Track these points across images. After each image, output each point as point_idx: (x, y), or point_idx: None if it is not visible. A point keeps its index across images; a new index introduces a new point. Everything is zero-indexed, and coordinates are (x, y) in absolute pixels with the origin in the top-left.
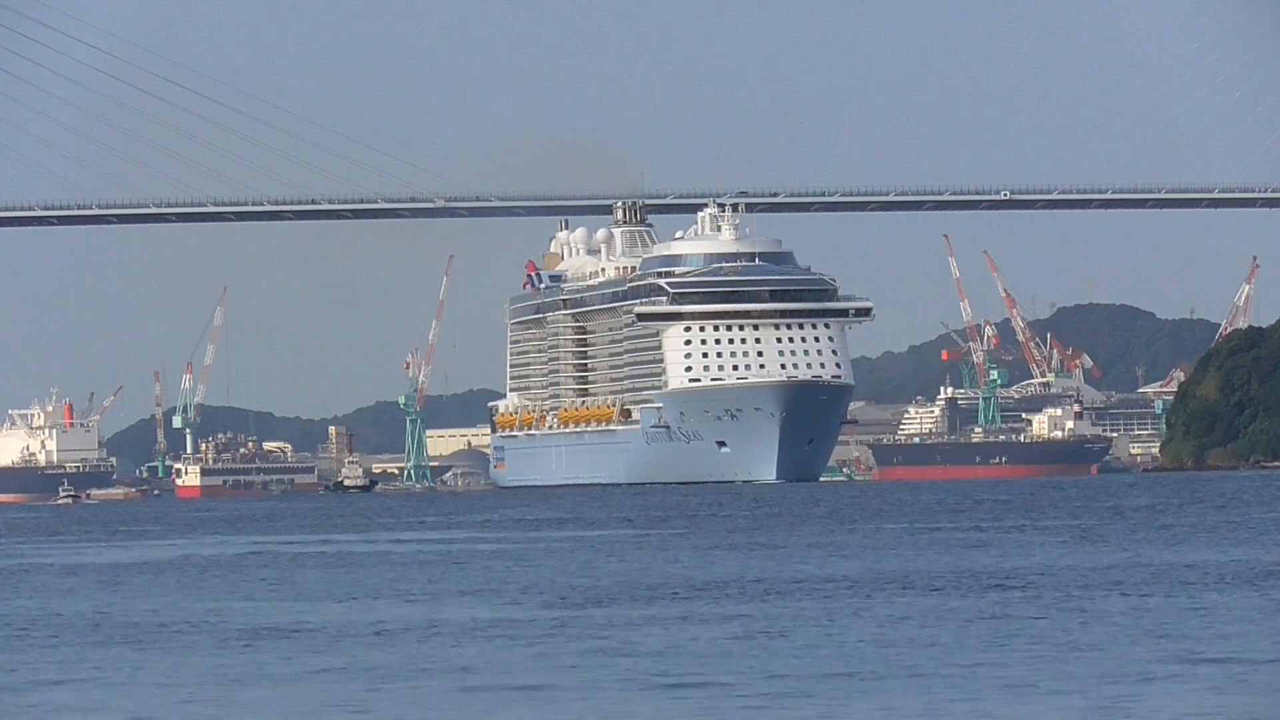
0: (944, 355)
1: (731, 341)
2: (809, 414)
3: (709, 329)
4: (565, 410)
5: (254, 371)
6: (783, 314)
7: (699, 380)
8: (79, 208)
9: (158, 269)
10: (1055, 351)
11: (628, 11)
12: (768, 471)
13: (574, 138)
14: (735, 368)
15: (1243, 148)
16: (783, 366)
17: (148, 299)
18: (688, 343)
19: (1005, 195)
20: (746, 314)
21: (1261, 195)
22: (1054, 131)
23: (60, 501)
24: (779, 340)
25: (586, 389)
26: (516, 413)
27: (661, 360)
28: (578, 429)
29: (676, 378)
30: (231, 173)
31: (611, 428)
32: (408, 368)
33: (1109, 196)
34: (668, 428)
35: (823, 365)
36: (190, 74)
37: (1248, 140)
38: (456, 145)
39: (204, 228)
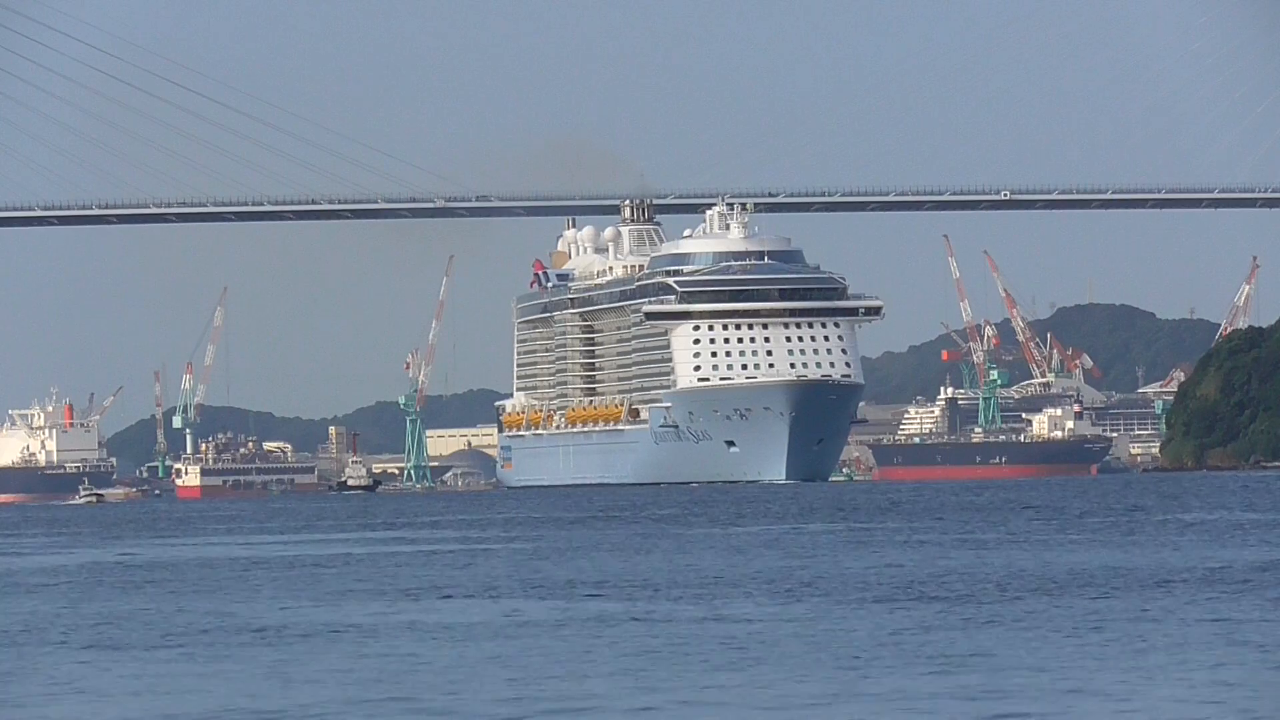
0: (944, 355)
1: (740, 340)
2: (818, 413)
3: (718, 328)
4: (573, 410)
5: (254, 371)
6: (792, 313)
7: (708, 379)
8: (79, 208)
9: (158, 269)
10: (1055, 351)
11: (628, 11)
12: (777, 471)
13: (574, 137)
14: (744, 367)
15: (1243, 148)
16: (792, 366)
17: (148, 299)
18: (696, 342)
19: (1005, 195)
20: (755, 313)
21: (1261, 195)
22: (1054, 131)
23: (82, 501)
24: (788, 339)
25: (594, 388)
26: (524, 412)
27: (670, 359)
28: (585, 429)
29: (685, 377)
30: (231, 173)
31: (620, 427)
32: (408, 368)
33: (1109, 196)
34: (676, 427)
35: (832, 364)
36: (190, 74)
37: (1248, 140)
38: (456, 145)
39: (204, 228)
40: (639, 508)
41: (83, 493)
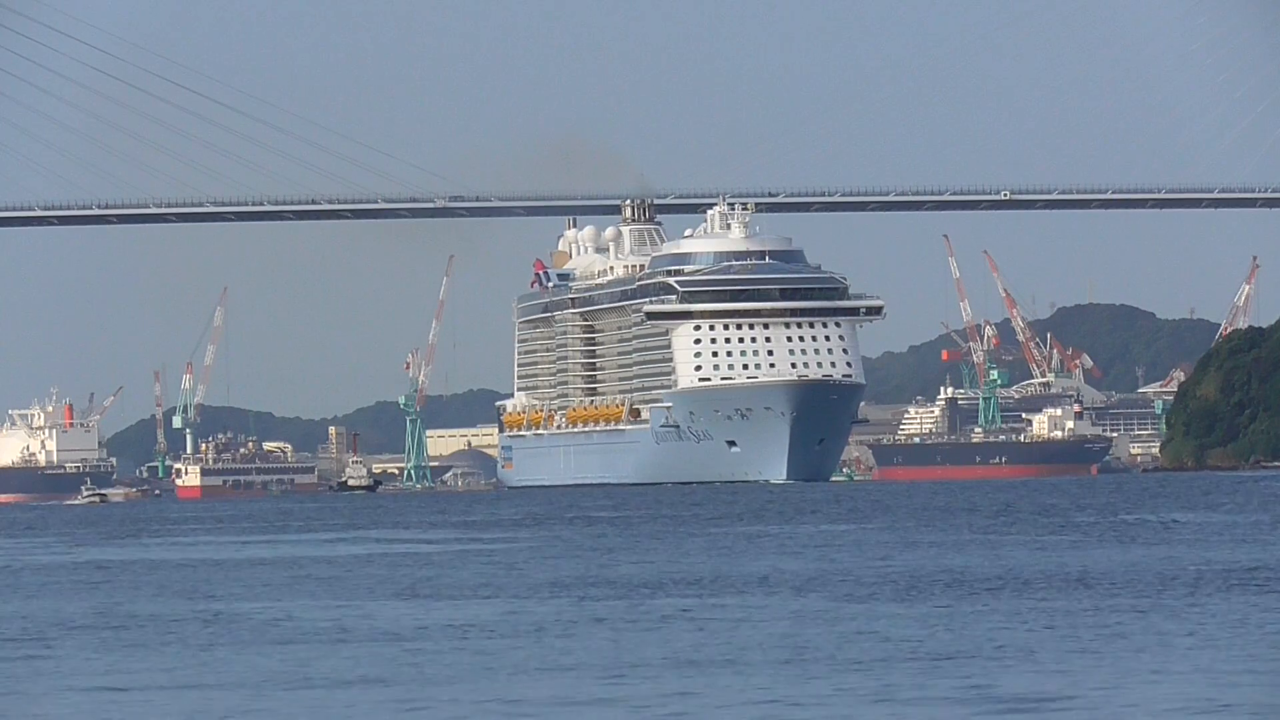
0: (944, 355)
1: (741, 340)
2: (819, 413)
3: (719, 328)
4: (574, 410)
5: (254, 371)
6: (793, 313)
7: (709, 379)
8: (79, 208)
9: (158, 269)
10: (1055, 351)
11: (628, 11)
12: (778, 471)
13: (574, 137)
14: (745, 367)
15: (1243, 148)
16: (793, 365)
17: (148, 299)
18: (697, 341)
19: (1005, 195)
20: (756, 313)
21: (1261, 195)
22: (1054, 131)
23: (85, 501)
24: (789, 339)
25: (595, 388)
26: (524, 412)
27: (671, 359)
28: (586, 429)
29: (686, 377)
30: (231, 173)
31: (620, 427)
32: (408, 368)
33: (1109, 196)
34: (677, 427)
35: (833, 364)
36: (190, 74)
37: (1248, 140)
38: (456, 145)
39: (204, 228)
40: (638, 507)
41: (85, 493)
